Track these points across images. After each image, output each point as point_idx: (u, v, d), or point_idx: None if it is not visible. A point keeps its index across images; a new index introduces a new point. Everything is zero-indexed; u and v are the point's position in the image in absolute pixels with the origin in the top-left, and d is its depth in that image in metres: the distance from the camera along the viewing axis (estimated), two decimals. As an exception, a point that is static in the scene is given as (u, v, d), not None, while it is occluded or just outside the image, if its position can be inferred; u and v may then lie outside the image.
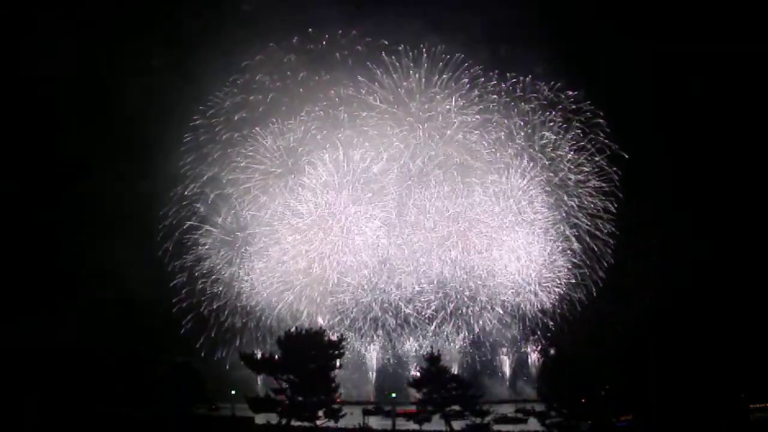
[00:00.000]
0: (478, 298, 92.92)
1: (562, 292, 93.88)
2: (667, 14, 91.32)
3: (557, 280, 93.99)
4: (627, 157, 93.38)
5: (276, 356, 71.24)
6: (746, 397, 74.57)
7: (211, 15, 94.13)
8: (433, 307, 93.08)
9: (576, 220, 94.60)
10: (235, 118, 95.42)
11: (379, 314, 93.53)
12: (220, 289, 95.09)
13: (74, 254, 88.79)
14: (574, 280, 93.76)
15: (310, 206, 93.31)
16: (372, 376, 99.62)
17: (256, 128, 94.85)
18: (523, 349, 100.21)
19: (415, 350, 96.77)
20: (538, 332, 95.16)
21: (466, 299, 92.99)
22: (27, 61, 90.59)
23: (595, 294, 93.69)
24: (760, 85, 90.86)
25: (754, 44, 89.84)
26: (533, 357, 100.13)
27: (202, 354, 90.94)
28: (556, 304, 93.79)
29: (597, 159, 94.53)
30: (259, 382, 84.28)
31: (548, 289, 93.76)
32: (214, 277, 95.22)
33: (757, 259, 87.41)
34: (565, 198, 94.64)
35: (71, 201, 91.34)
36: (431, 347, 74.07)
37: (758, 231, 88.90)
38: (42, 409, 67.46)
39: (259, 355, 75.00)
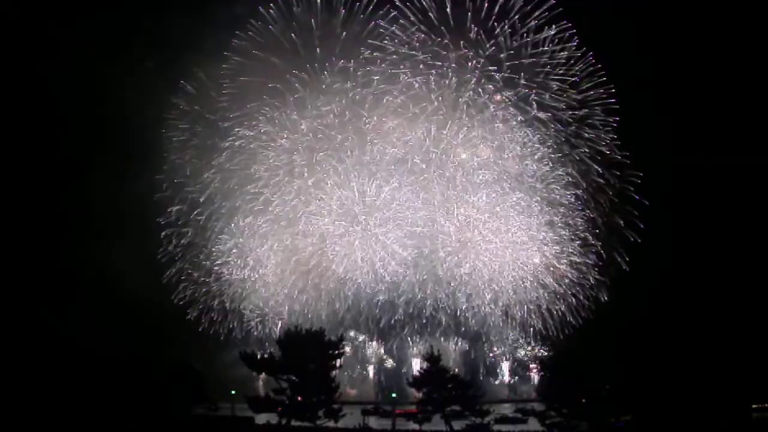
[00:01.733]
0: (479, 297, 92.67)
1: (564, 294, 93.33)
2: (665, 16, 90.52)
3: (560, 282, 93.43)
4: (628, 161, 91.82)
5: (276, 356, 71.37)
6: (748, 397, 74.27)
7: (207, 16, 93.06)
8: (431, 306, 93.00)
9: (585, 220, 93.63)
10: (232, 116, 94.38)
11: (378, 314, 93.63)
12: (222, 289, 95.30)
13: (74, 254, 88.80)
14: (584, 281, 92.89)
15: (299, 205, 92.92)
16: (372, 376, 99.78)
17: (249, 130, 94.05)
18: (523, 350, 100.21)
19: (417, 350, 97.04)
20: (539, 332, 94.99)
21: (464, 300, 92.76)
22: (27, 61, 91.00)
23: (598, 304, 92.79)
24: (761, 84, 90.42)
25: (753, 44, 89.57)
26: (533, 357, 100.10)
27: (202, 354, 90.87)
28: (558, 304, 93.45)
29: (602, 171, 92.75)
30: (259, 382, 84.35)
31: (550, 290, 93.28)
32: (213, 278, 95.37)
33: (757, 259, 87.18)
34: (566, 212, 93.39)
35: (71, 201, 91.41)
36: (431, 347, 73.91)
37: (759, 230, 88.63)
38: (42, 409, 67.57)
39: (259, 355, 75.04)
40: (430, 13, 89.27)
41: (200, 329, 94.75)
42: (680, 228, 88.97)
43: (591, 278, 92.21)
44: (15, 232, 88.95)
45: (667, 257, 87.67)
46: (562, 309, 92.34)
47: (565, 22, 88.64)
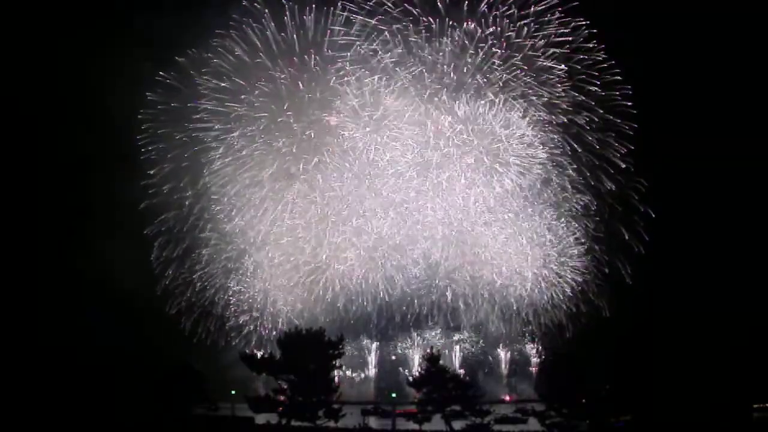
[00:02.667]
0: (478, 300, 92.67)
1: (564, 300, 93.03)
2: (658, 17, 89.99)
3: (562, 282, 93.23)
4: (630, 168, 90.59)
5: (276, 356, 71.41)
6: (748, 397, 74.27)
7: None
8: (430, 308, 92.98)
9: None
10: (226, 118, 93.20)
11: (374, 315, 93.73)
12: (221, 292, 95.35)
13: (74, 254, 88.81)
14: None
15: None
16: (372, 376, 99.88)
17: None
18: (522, 349, 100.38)
19: (417, 350, 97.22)
20: (538, 332, 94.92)
21: (463, 302, 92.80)
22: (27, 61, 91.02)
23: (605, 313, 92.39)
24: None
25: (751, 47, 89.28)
26: (533, 356, 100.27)
27: (202, 354, 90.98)
28: (558, 304, 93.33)
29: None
30: (259, 382, 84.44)
31: (551, 289, 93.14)
32: (213, 279, 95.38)
33: (758, 258, 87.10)
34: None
35: (71, 201, 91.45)
36: (431, 347, 74.12)
37: (759, 230, 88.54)
38: (42, 409, 67.62)
39: (259, 356, 75.10)
40: (420, 10, 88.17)
41: (195, 340, 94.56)
42: (682, 231, 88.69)
43: (593, 286, 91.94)
44: (15, 232, 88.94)
45: (668, 259, 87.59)
46: (563, 317, 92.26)
47: (581, 19, 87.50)
